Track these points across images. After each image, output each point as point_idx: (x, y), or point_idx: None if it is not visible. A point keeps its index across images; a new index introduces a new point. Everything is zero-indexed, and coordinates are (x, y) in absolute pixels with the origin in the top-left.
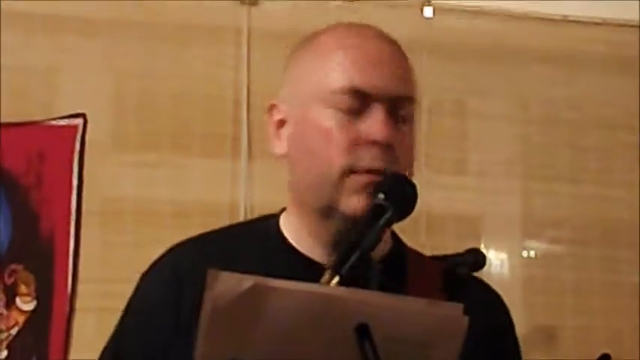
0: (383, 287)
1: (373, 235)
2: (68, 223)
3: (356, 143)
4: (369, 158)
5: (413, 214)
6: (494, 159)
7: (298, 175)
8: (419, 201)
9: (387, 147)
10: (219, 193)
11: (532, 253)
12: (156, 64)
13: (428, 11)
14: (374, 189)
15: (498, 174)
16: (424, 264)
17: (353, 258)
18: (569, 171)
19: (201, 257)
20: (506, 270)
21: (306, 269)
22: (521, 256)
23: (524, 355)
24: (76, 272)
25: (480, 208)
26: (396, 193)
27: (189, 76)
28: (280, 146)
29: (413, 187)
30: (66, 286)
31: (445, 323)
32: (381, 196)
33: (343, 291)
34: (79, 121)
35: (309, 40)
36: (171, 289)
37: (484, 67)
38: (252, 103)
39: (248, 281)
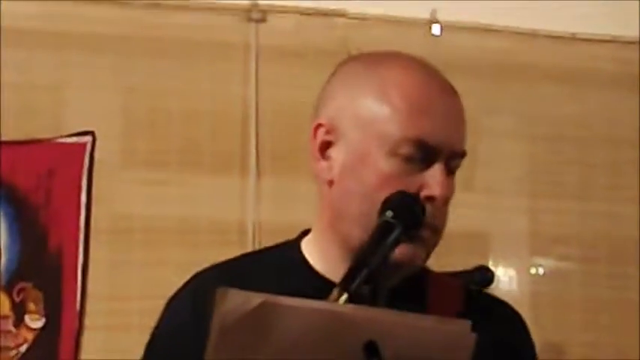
0: (399, 307)
1: (381, 253)
2: (77, 241)
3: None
4: (429, 215)
5: None
6: (502, 176)
7: (345, 207)
8: None
9: (444, 204)
10: (227, 210)
11: (540, 270)
12: (164, 81)
13: (436, 29)
14: (382, 207)
15: (506, 191)
16: (444, 283)
17: (361, 276)
18: (577, 188)
19: (222, 283)
20: (514, 287)
21: (325, 290)
22: (529, 273)
23: None
24: (84, 290)
25: (488, 226)
26: (405, 211)
27: (197, 93)
28: (327, 170)
29: (421, 205)
30: (74, 303)
31: (453, 339)
32: (389, 213)
33: (351, 308)
34: (88, 138)
35: (368, 66)
36: (194, 316)
37: (492, 84)
38: (261, 119)
39: (256, 299)
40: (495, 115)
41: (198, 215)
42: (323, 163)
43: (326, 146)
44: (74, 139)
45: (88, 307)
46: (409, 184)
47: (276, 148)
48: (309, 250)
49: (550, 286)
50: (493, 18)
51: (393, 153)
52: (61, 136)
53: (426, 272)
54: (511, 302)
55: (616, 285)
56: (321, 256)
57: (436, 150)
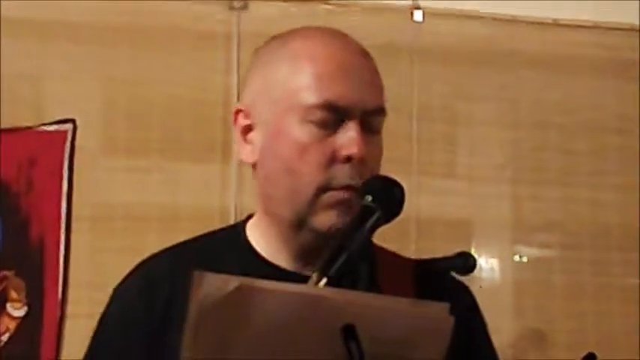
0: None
1: (361, 238)
2: (58, 229)
3: (331, 159)
4: (344, 175)
5: (402, 218)
6: (484, 163)
7: (270, 187)
8: (408, 205)
9: (361, 162)
10: (209, 197)
11: (523, 257)
12: (145, 70)
13: (417, 15)
14: (361, 191)
15: (488, 178)
16: (394, 261)
17: (340, 260)
18: (560, 175)
19: (173, 267)
20: (496, 274)
21: (274, 277)
22: (512, 260)
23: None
24: (66, 278)
25: (470, 213)
26: (384, 195)
27: (178, 82)
28: (250, 154)
29: (401, 188)
30: (56, 291)
31: (431, 323)
32: (369, 198)
33: (329, 292)
34: (69, 126)
35: (278, 44)
36: (145, 300)
37: (474, 71)
38: (235, 108)
39: (234, 282)
40: (477, 101)
41: (179, 202)
42: (246, 147)
43: (247, 130)
44: (55, 128)
45: (70, 295)
46: (325, 149)
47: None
48: (253, 232)
49: (533, 273)
50: (475, 4)
51: (304, 121)
52: (42, 124)
53: (372, 248)
54: (494, 289)
55: (599, 271)
56: (263, 239)
57: (347, 110)
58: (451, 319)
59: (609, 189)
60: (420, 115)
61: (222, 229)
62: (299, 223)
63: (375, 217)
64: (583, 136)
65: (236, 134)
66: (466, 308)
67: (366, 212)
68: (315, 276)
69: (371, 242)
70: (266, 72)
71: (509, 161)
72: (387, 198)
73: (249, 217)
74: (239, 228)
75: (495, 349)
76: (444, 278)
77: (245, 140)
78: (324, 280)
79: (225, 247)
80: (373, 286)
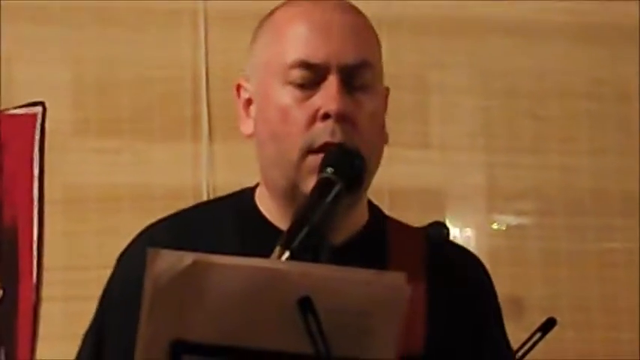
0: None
1: (322, 210)
2: (31, 213)
3: (312, 120)
4: (324, 133)
5: (375, 189)
6: (456, 132)
7: (264, 156)
8: (380, 176)
9: (343, 119)
10: (181, 176)
11: (497, 225)
12: (113, 49)
13: None
14: (322, 163)
15: (461, 147)
16: (406, 233)
17: (302, 233)
18: (532, 142)
19: (176, 234)
20: (471, 243)
21: (276, 239)
22: (487, 229)
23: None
24: (40, 261)
25: (444, 182)
26: (345, 166)
27: (147, 60)
28: (247, 126)
29: (361, 159)
30: (31, 275)
31: (387, 293)
32: (330, 169)
33: (285, 264)
34: (38, 109)
35: (269, 15)
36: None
37: (442, 39)
38: (212, 84)
39: (188, 258)
40: (447, 70)
41: (152, 182)
42: (247, 121)
43: (248, 104)
44: (24, 111)
45: (45, 278)
46: (306, 110)
47: (228, 112)
48: (260, 199)
49: (508, 241)
50: None
51: (285, 83)
52: (11, 108)
53: (384, 221)
54: None
55: (574, 237)
56: (268, 206)
57: (322, 66)
58: (408, 289)
59: (582, 154)
60: (390, 85)
61: (233, 194)
62: (291, 189)
63: (336, 189)
64: (554, 102)
65: (238, 109)
66: (478, 287)
67: (327, 184)
68: (277, 250)
69: (381, 216)
70: (255, 45)
71: (482, 129)
72: (348, 169)
73: (257, 185)
74: (247, 195)
75: (504, 327)
76: (458, 254)
77: (247, 114)
78: (286, 254)
79: (232, 212)
80: (382, 262)
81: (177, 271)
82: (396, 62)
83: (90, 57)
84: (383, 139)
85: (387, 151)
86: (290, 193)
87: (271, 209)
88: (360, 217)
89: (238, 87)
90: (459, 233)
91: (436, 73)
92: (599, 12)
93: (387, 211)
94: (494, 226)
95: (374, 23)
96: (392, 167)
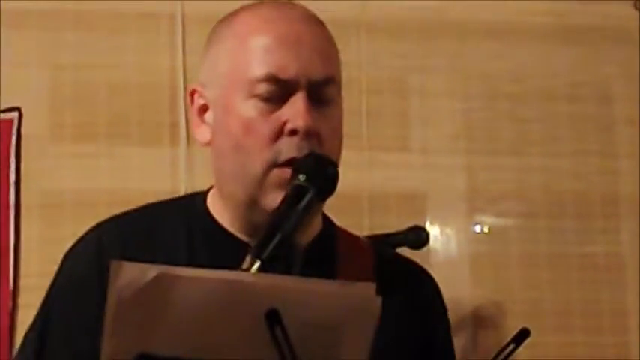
0: (307, 271)
1: (294, 218)
2: (8, 218)
3: (278, 134)
4: (290, 149)
5: (355, 194)
6: (436, 135)
7: (222, 166)
8: (361, 180)
9: (309, 134)
10: (159, 181)
11: (479, 228)
12: (90, 54)
13: None
14: (294, 171)
15: (442, 150)
16: (355, 245)
17: (274, 242)
18: (513, 144)
19: (125, 233)
20: (453, 246)
21: (230, 246)
22: (468, 232)
23: (474, 331)
24: (17, 268)
25: (425, 185)
26: (317, 173)
27: (124, 65)
28: (204, 133)
29: (334, 166)
30: (8, 282)
31: (358, 304)
32: (302, 177)
33: (251, 277)
34: (15, 114)
35: (228, 20)
36: (96, 265)
37: (421, 43)
38: (189, 89)
39: (152, 271)
40: (427, 73)
41: (129, 187)
42: (202, 127)
43: (203, 110)
44: (0, 117)
45: (22, 284)
46: (272, 124)
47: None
48: (213, 204)
49: (490, 245)
50: None
51: (249, 95)
52: None
53: (335, 231)
54: (451, 262)
55: (555, 240)
56: (221, 211)
57: (291, 82)
58: (379, 299)
59: (562, 156)
60: (369, 89)
61: (184, 197)
62: (250, 203)
63: (308, 196)
64: (534, 104)
65: (193, 115)
66: (430, 298)
67: (299, 192)
68: (248, 259)
69: (332, 226)
70: (214, 50)
71: (462, 132)
72: (321, 177)
73: (210, 188)
74: (199, 198)
75: (452, 342)
76: (406, 266)
77: (202, 121)
78: (257, 263)
79: (182, 214)
80: (331, 272)
81: (141, 284)
82: (375, 66)
83: (67, 62)
84: (341, 150)
85: (367, 155)
86: (249, 206)
87: (225, 216)
88: (314, 227)
89: (192, 92)
90: (439, 237)
91: (416, 77)
92: (578, 14)
93: (366, 216)
94: (476, 229)
95: (351, 28)
96: (372, 171)
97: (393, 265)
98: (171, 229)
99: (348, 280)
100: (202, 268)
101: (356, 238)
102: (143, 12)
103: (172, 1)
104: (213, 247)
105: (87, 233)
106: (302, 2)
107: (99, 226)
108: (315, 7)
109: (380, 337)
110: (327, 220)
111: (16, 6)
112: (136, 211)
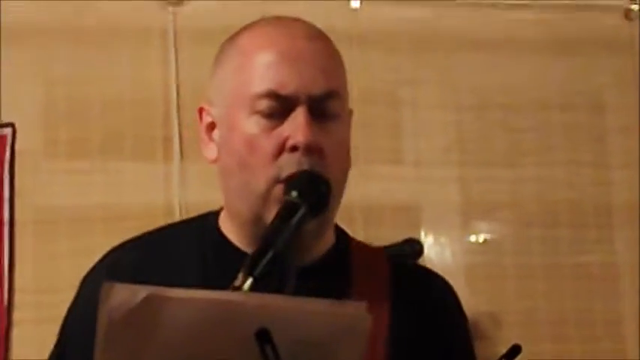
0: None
1: (287, 234)
2: (2, 235)
3: (280, 150)
4: (292, 165)
5: (348, 206)
6: (429, 147)
7: (228, 183)
8: (354, 193)
9: (310, 150)
10: (153, 196)
11: (473, 239)
12: (83, 70)
13: (355, 2)
14: (286, 187)
15: (435, 162)
16: (370, 256)
17: (266, 258)
18: (506, 155)
19: (141, 257)
20: (448, 258)
21: (241, 264)
22: (463, 244)
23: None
24: (12, 284)
25: (418, 198)
26: (309, 190)
27: (117, 80)
28: (211, 151)
29: (326, 183)
30: (2, 299)
31: (348, 322)
32: (294, 194)
33: (242, 296)
34: (8, 130)
35: (234, 38)
36: None
37: (413, 55)
38: (183, 103)
39: (142, 292)
40: (419, 85)
41: (123, 202)
42: (209, 145)
43: (211, 128)
44: None
45: (16, 301)
46: (274, 140)
47: (199, 131)
48: (224, 222)
49: (484, 256)
50: None
51: (252, 112)
52: None
53: (348, 244)
54: (445, 274)
55: (550, 250)
56: (231, 230)
57: (291, 97)
58: (369, 317)
59: (556, 166)
60: (361, 102)
61: (197, 217)
62: (255, 219)
63: (300, 212)
64: (527, 115)
65: (201, 132)
66: (446, 304)
67: (291, 208)
68: (240, 276)
69: (346, 239)
70: (220, 69)
71: (455, 144)
72: (313, 193)
73: (222, 208)
74: (211, 218)
75: (472, 346)
76: (422, 274)
77: (210, 138)
78: (249, 281)
79: (196, 235)
80: (346, 285)
81: (132, 306)
82: (367, 78)
83: (59, 78)
84: (349, 164)
85: (359, 167)
86: (254, 222)
87: (235, 233)
88: (327, 241)
89: (201, 110)
90: (434, 248)
91: (408, 89)
92: (569, 24)
93: (360, 229)
94: (470, 240)
95: (343, 40)
96: (365, 184)
97: (408, 275)
98: (185, 250)
99: (364, 291)
100: (216, 287)
101: (370, 249)
102: (136, 27)
103: (165, 15)
104: (226, 265)
105: (104, 257)
106: (293, 13)
107: (114, 251)
108: (308, 18)
109: (396, 345)
110: (341, 233)
111: (9, 22)
112: (151, 233)
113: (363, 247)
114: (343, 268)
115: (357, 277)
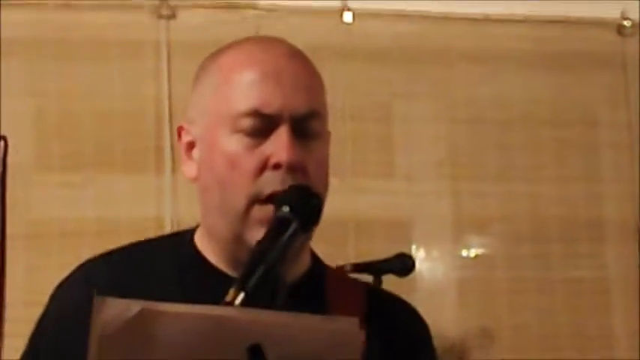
0: (297, 309)
1: (278, 249)
2: None
3: (262, 169)
4: (274, 182)
5: (340, 221)
6: (421, 161)
7: (207, 201)
8: (346, 207)
9: (293, 168)
10: (144, 208)
11: (464, 254)
12: (75, 83)
13: (347, 16)
14: (278, 202)
15: (427, 176)
16: (345, 285)
17: (258, 273)
18: (498, 170)
19: (113, 272)
20: (439, 272)
21: (217, 282)
22: (454, 258)
23: (461, 357)
24: (3, 298)
25: (410, 212)
26: (301, 205)
27: (109, 93)
28: (191, 169)
29: (318, 198)
30: None
31: (341, 338)
32: (286, 209)
33: (234, 311)
34: (0, 143)
35: (214, 57)
36: (84, 303)
37: (406, 69)
38: (174, 116)
39: (136, 306)
40: (412, 99)
41: (115, 215)
42: (188, 163)
43: (190, 147)
44: None
45: (7, 315)
46: (256, 158)
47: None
48: (201, 240)
49: (476, 270)
50: (404, 4)
51: (234, 130)
52: None
53: (324, 269)
54: (437, 288)
55: (541, 265)
56: (207, 247)
57: (274, 116)
58: (362, 334)
59: (547, 181)
60: (353, 116)
61: (173, 234)
62: (234, 238)
63: (292, 228)
64: (519, 130)
65: (181, 151)
66: (416, 338)
67: (283, 223)
68: (232, 291)
69: (322, 263)
70: (200, 87)
71: (447, 158)
72: (305, 208)
73: (198, 225)
74: (187, 235)
75: None
76: (395, 304)
77: (189, 157)
78: (241, 296)
79: (170, 251)
80: (321, 310)
81: (125, 320)
82: (359, 92)
83: (51, 91)
84: (328, 184)
85: (351, 182)
86: (232, 241)
87: (211, 251)
88: (304, 262)
89: (180, 129)
90: (425, 263)
91: (400, 103)
92: (562, 39)
93: (352, 243)
94: (462, 255)
95: (336, 54)
96: (357, 198)
97: (382, 303)
98: (160, 266)
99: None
100: (192, 303)
101: (346, 277)
102: (128, 40)
103: (156, 28)
104: (202, 283)
105: (74, 271)
106: (287, 28)
107: (86, 263)
108: (299, 35)
109: None
110: (315, 258)
111: (1, 36)
112: (125, 247)
113: (338, 273)
114: (319, 291)
115: (333, 302)
